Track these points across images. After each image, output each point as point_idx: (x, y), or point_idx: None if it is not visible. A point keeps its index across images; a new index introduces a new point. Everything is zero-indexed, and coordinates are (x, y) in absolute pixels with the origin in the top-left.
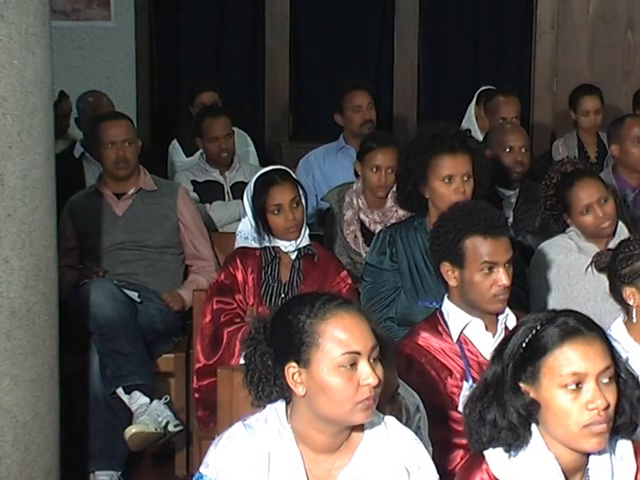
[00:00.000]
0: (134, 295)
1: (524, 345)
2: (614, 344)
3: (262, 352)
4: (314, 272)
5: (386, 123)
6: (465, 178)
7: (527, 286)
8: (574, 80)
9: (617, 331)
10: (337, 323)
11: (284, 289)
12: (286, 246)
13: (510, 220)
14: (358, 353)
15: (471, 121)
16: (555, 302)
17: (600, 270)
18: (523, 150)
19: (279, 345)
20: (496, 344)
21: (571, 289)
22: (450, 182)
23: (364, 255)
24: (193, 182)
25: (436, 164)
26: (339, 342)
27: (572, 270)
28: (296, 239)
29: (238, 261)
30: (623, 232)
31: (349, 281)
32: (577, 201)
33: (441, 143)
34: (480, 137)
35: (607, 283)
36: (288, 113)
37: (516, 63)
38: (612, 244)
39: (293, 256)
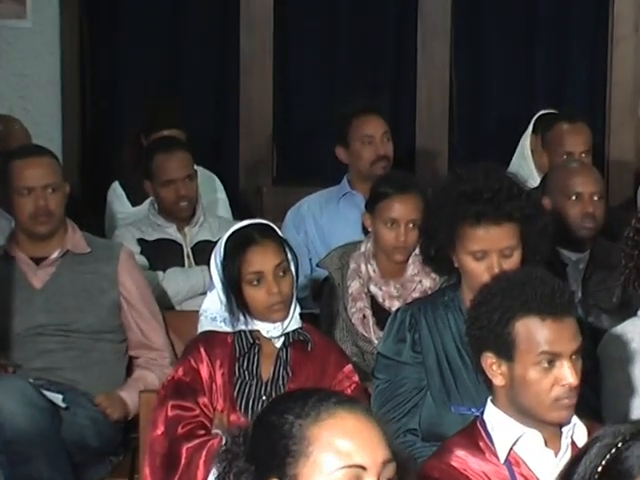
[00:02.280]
0: (57, 399)
1: (600, 469)
2: None
3: (239, 470)
4: (307, 366)
5: (406, 161)
6: (507, 253)
7: (600, 386)
8: None
9: None
10: (335, 426)
11: (265, 389)
12: (269, 330)
13: (578, 294)
14: (363, 468)
15: (524, 157)
16: (636, 409)
17: None
18: (595, 198)
19: (261, 458)
20: (560, 467)
21: None
22: (483, 258)
23: (376, 343)
24: (140, 241)
25: (464, 234)
26: (337, 452)
27: None
28: (282, 320)
29: (202, 351)
30: None
31: (355, 378)
32: None
33: (470, 207)
34: (537, 179)
35: None
36: (271, 147)
37: (586, 79)
38: None
39: (278, 344)
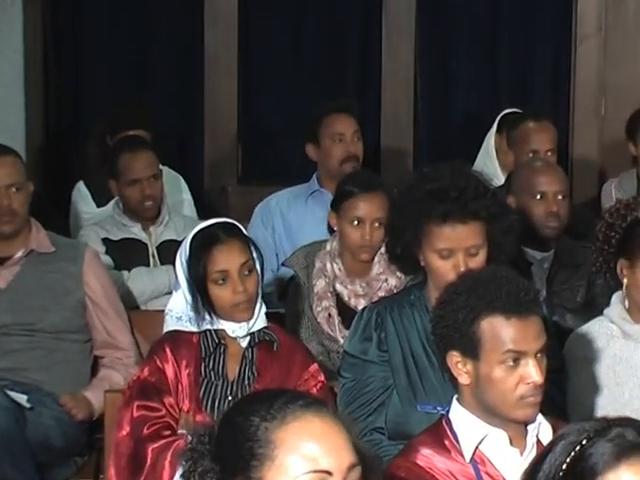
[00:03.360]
0: (22, 399)
1: (564, 467)
2: None
3: (204, 470)
4: (273, 366)
5: (371, 160)
6: (472, 251)
7: (566, 385)
8: (630, 99)
9: None
10: (302, 429)
11: (231, 389)
12: (234, 329)
13: (543, 293)
14: (329, 473)
15: (489, 156)
16: (601, 408)
17: None
18: (560, 197)
19: (226, 459)
20: (526, 465)
21: (620, 389)
22: (449, 257)
23: (341, 342)
24: (105, 241)
25: (430, 232)
26: (303, 456)
27: (619, 363)
28: (248, 320)
29: (168, 351)
30: None
31: (321, 378)
32: None
33: (437, 206)
34: (501, 178)
35: None
36: (236, 146)
37: (550, 77)
38: None
39: (244, 343)
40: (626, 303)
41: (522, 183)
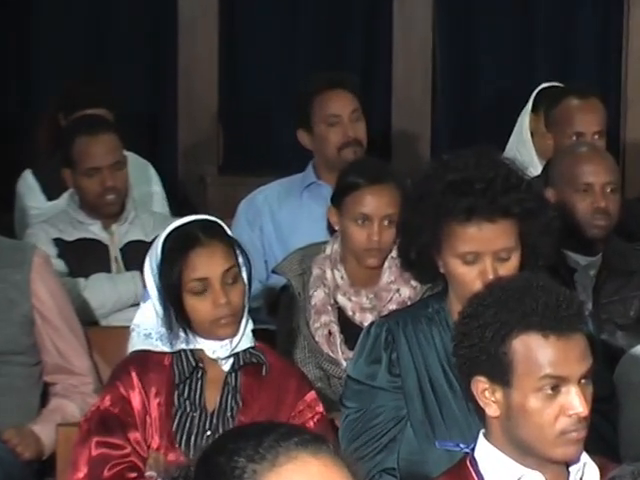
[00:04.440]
0: None
1: None
2: None
3: None
4: (261, 394)
5: (381, 145)
6: (503, 255)
7: (617, 416)
8: None
9: None
10: (296, 473)
11: (211, 423)
12: (215, 350)
13: (589, 306)
14: None
15: (523, 140)
16: None
17: None
18: (609, 190)
19: None
20: None
21: None
22: (474, 262)
23: (344, 365)
24: (58, 242)
25: (451, 233)
26: None
27: None
28: (231, 337)
29: (134, 375)
30: None
31: (319, 408)
32: None
33: (459, 200)
34: (538, 166)
35: None
36: (216, 128)
37: (596, 46)
38: None
39: (226, 367)
40: None
41: (563, 173)
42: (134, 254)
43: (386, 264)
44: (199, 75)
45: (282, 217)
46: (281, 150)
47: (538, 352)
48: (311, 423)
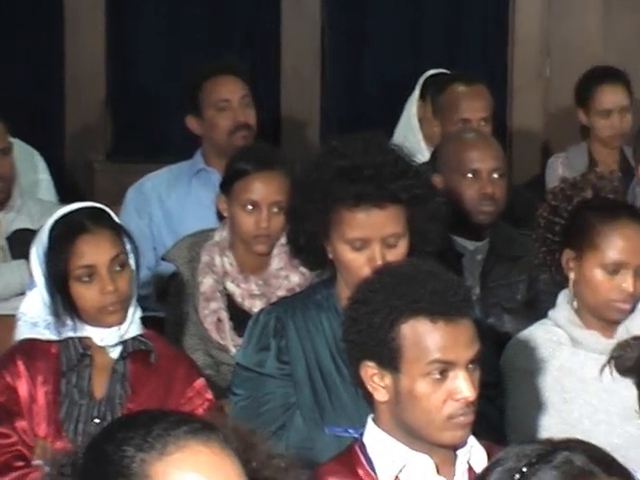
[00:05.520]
0: None
1: None
2: None
3: None
4: (150, 381)
5: (269, 131)
6: (391, 241)
7: (503, 401)
8: (579, 58)
9: None
10: (186, 462)
11: (99, 411)
12: (103, 337)
13: (476, 291)
14: None
15: (411, 127)
16: (545, 429)
17: (624, 372)
18: (495, 175)
19: None
20: None
21: (568, 407)
22: (363, 248)
23: (233, 351)
24: None
25: (340, 219)
26: None
27: (567, 376)
28: (119, 325)
29: (20, 364)
30: None
31: (208, 395)
32: (605, 255)
33: (348, 187)
34: (426, 153)
35: (633, 394)
36: (104, 114)
37: (483, 32)
38: (623, 330)
39: (114, 354)
40: (574, 303)
41: (450, 159)
42: (20, 242)
43: (275, 251)
44: (86, 61)
45: (171, 204)
46: (170, 137)
47: (426, 337)
48: (200, 410)
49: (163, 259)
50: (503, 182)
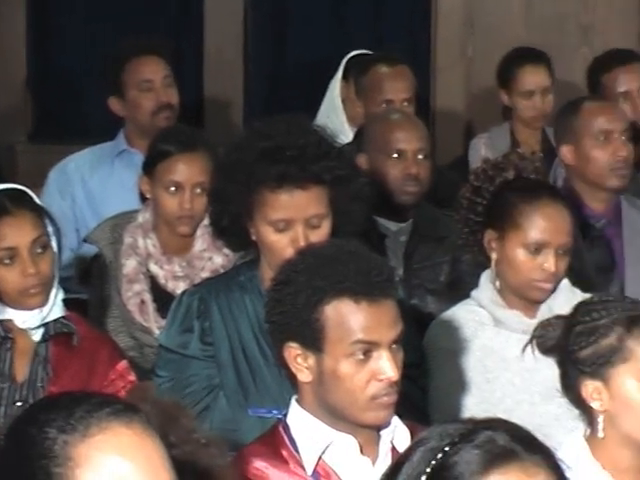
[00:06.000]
0: None
1: (424, 478)
2: (568, 474)
3: None
4: (72, 364)
5: (192, 112)
6: (314, 222)
7: (426, 381)
8: (501, 39)
9: (574, 451)
10: (108, 444)
11: (21, 393)
12: (24, 320)
13: (400, 272)
14: None
15: (334, 108)
16: (468, 409)
17: (546, 351)
18: (420, 156)
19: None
20: (378, 476)
21: (490, 387)
22: (286, 229)
23: (157, 333)
24: None
25: (263, 200)
26: (109, 476)
27: (489, 356)
28: (41, 307)
29: None
30: (565, 292)
31: (131, 377)
32: (527, 235)
33: (271, 168)
34: (349, 133)
35: (554, 373)
36: (25, 95)
37: (405, 13)
38: (545, 309)
39: (36, 337)
40: (497, 284)
41: (376, 139)
42: None
43: (198, 232)
44: (6, 42)
45: (94, 185)
46: (92, 118)
47: (350, 318)
48: (123, 392)
49: (85, 241)
50: (428, 163)
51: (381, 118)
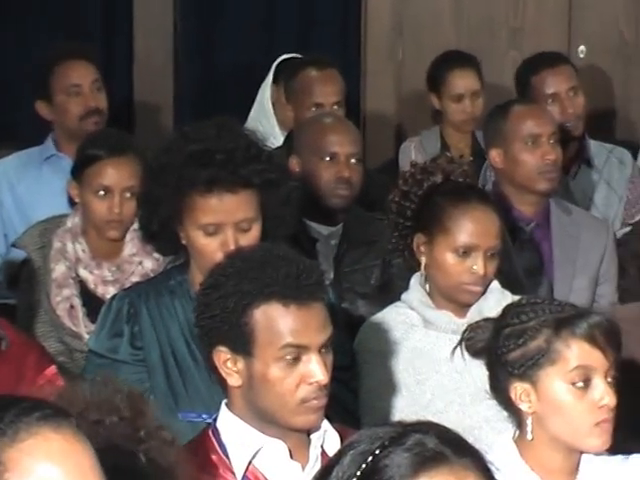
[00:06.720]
0: None
1: None
2: (498, 476)
3: None
4: (0, 369)
5: (122, 116)
6: (244, 226)
7: (357, 384)
8: (431, 41)
9: (503, 453)
10: (38, 449)
11: None
12: None
13: (330, 275)
14: None
15: (265, 111)
16: (398, 411)
17: (475, 353)
18: (353, 160)
19: None
20: None
21: (420, 388)
22: (216, 233)
23: (87, 338)
24: None
25: (193, 204)
26: None
27: (419, 357)
28: None
29: None
30: (496, 294)
31: (60, 382)
32: (456, 238)
33: (200, 171)
34: (280, 137)
35: (484, 375)
36: None
37: (334, 15)
38: (475, 311)
39: None
40: (427, 286)
41: (309, 142)
42: None
43: (128, 236)
44: None
45: (22, 190)
46: (19, 122)
47: (279, 321)
48: (51, 398)
49: (14, 246)
50: (360, 167)
51: (314, 121)
